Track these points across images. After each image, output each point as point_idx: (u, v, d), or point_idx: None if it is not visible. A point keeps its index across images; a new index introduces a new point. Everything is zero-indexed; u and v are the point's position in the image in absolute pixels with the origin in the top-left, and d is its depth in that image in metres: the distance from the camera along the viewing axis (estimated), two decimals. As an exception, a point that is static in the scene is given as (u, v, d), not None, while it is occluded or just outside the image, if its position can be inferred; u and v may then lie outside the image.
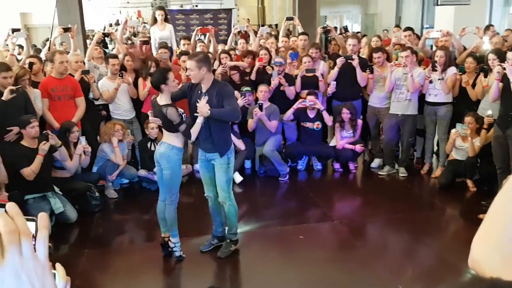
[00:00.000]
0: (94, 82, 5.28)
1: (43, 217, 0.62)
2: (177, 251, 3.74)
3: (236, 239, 3.82)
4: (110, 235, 4.37)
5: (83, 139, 4.66)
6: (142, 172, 5.21)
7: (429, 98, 5.28)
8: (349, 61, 5.39)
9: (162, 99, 3.48)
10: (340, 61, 5.48)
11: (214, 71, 5.78)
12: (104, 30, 11.81)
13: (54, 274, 0.72)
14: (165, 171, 3.55)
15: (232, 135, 5.01)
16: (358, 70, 5.43)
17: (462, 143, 4.97)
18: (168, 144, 3.51)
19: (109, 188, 5.05)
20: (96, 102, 5.45)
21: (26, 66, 4.82)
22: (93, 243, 4.14)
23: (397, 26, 6.81)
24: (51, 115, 4.76)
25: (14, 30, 5.57)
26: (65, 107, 4.83)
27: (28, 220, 0.62)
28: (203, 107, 3.35)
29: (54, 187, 4.37)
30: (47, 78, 4.95)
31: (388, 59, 5.68)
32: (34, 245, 0.59)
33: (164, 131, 3.61)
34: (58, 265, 0.75)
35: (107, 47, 10.18)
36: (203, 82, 3.42)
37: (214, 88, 3.39)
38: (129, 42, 11.39)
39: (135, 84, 5.46)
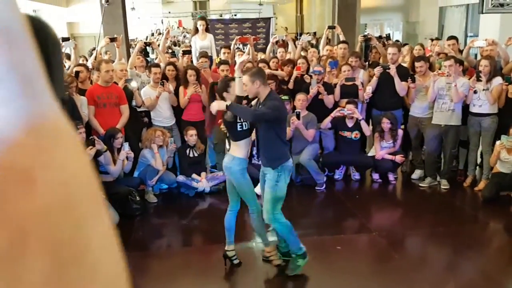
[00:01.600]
0: (138, 89, 5.45)
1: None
2: (275, 260, 3.72)
3: (302, 253, 3.61)
4: (149, 239, 4.48)
5: (126, 145, 4.82)
6: (181, 178, 5.32)
7: (474, 109, 5.13)
8: (387, 70, 5.33)
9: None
10: (378, 70, 5.43)
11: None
12: (146, 39, 12.17)
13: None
14: (234, 182, 3.59)
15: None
16: (396, 79, 5.35)
17: (508, 155, 4.80)
18: (230, 155, 3.56)
19: (149, 193, 5.19)
20: (139, 109, 5.62)
21: (73, 74, 5.04)
22: (133, 246, 4.26)
23: (437, 38, 6.62)
24: (97, 121, 4.96)
25: (64, 40, 5.84)
26: (110, 114, 5.02)
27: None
28: (218, 102, 3.47)
29: None
30: (93, 86, 5.17)
31: (431, 68, 5.56)
32: None
33: (231, 143, 3.66)
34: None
35: (148, 56, 10.49)
36: (259, 96, 3.45)
37: (267, 100, 3.42)
38: (170, 51, 11.70)
39: (176, 92, 5.60)
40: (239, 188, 3.59)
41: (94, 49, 6.99)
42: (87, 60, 6.80)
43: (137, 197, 4.80)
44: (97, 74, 5.12)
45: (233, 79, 3.64)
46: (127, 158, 4.83)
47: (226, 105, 3.40)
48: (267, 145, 3.48)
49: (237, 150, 3.55)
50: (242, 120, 3.48)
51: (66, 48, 6.05)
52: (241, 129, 3.49)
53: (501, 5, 8.14)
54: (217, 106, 3.46)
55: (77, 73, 5.10)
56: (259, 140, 3.61)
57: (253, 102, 3.61)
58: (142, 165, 5.17)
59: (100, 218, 0.34)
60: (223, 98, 3.57)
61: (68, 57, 6.62)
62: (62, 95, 0.46)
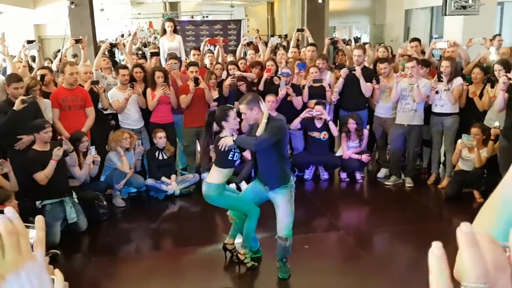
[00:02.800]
0: (104, 92, 5.38)
1: (39, 220, 0.67)
2: (249, 262, 3.75)
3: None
4: (117, 244, 4.42)
5: (93, 149, 4.75)
6: (150, 181, 5.27)
7: (436, 109, 5.28)
8: (352, 72, 5.44)
9: (223, 135, 3.55)
10: (344, 72, 5.54)
11: (222, 81, 5.87)
12: (115, 41, 12.00)
13: (53, 279, 0.76)
14: (219, 205, 3.71)
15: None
16: (361, 80, 5.46)
17: (469, 154, 4.96)
18: (206, 183, 3.59)
19: (117, 197, 5.12)
20: (105, 112, 5.54)
21: (38, 77, 4.94)
22: (100, 251, 4.20)
23: (416, 39, 6.55)
24: (61, 124, 4.87)
25: (29, 42, 5.71)
26: (75, 117, 4.93)
27: (28, 227, 0.67)
28: (226, 139, 3.43)
29: (72, 193, 4.45)
30: (58, 88, 5.07)
31: (394, 69, 5.70)
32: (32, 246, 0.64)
33: (212, 169, 3.64)
34: (57, 270, 0.80)
35: (115, 57, 10.34)
36: (259, 120, 3.43)
37: (269, 123, 3.40)
38: (139, 52, 11.57)
39: (144, 94, 5.55)
40: (229, 208, 3.68)
41: (59, 51, 6.85)
42: (51, 63, 6.65)
43: (104, 202, 4.73)
44: (62, 76, 5.03)
45: (231, 108, 3.63)
46: (93, 162, 4.76)
47: (233, 140, 3.42)
48: (273, 166, 3.45)
49: (215, 176, 3.55)
50: (235, 151, 3.50)
51: (31, 51, 5.91)
52: (231, 159, 3.51)
53: (464, 7, 8.40)
54: (226, 142, 3.43)
55: (42, 76, 5.00)
56: (259, 163, 3.56)
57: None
58: (109, 168, 5.10)
59: None
60: (221, 127, 3.55)
61: (33, 59, 6.48)
62: None
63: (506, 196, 0.72)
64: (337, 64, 6.62)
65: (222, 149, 3.43)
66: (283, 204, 3.44)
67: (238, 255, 3.78)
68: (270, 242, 3.91)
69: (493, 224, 0.72)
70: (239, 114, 3.59)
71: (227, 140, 3.44)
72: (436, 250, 0.50)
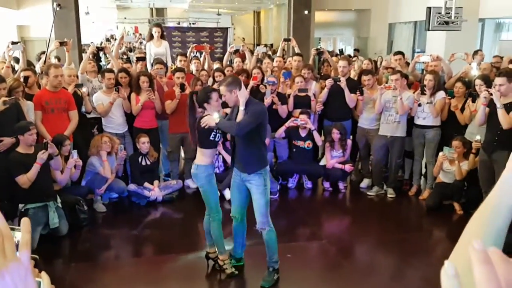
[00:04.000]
0: (88, 95, 5.32)
1: (25, 223, 0.66)
2: (228, 268, 3.72)
3: (278, 267, 3.65)
4: (97, 250, 4.35)
5: (75, 153, 4.67)
6: (132, 187, 5.21)
7: (418, 121, 5.37)
8: (337, 82, 5.50)
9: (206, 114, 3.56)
10: (329, 82, 5.60)
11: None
12: (100, 44, 11.90)
13: (39, 282, 0.75)
14: (200, 188, 3.66)
15: (223, 151, 4.98)
16: (346, 91, 5.53)
17: (450, 166, 5.05)
18: (196, 164, 3.61)
19: (98, 202, 5.04)
20: (89, 116, 5.48)
21: (21, 79, 4.86)
22: (80, 257, 4.12)
23: (400, 53, 6.65)
24: (43, 127, 4.78)
25: (13, 43, 5.63)
26: (58, 120, 4.86)
27: (13, 229, 0.66)
28: (209, 119, 3.43)
29: (57, 197, 4.37)
30: (41, 90, 5.00)
31: (378, 81, 5.79)
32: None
33: (198, 152, 3.65)
34: (43, 273, 0.78)
35: (100, 61, 10.26)
36: (239, 103, 3.43)
37: (248, 106, 3.40)
38: (125, 57, 11.49)
39: (128, 98, 5.50)
40: (204, 195, 3.64)
41: (42, 53, 6.76)
42: (33, 66, 6.54)
43: (85, 207, 4.66)
44: (46, 78, 4.96)
45: (214, 90, 3.64)
46: (75, 166, 4.68)
47: (216, 123, 3.41)
48: (249, 150, 3.45)
49: (202, 158, 3.58)
50: (217, 131, 3.51)
51: (14, 52, 5.81)
52: (213, 139, 3.54)
53: (446, 23, 8.63)
54: (208, 122, 3.43)
55: (26, 78, 4.92)
56: (235, 147, 3.54)
57: (228, 111, 3.60)
58: (90, 173, 5.02)
59: None
60: (204, 108, 3.57)
61: (17, 60, 6.38)
62: None
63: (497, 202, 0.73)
64: (322, 74, 6.69)
65: (204, 127, 3.44)
66: (258, 194, 3.45)
67: (218, 261, 3.75)
68: (253, 250, 3.91)
69: (483, 230, 0.73)
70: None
71: (209, 120, 3.43)
72: (449, 269, 0.50)
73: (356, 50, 12.96)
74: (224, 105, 3.97)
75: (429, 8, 8.67)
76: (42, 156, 4.12)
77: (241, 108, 3.39)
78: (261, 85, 5.81)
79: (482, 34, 10.34)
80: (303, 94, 5.72)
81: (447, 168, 5.07)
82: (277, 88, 5.77)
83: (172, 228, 4.86)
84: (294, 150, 5.74)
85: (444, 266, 0.51)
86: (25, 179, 4.09)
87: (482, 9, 9.36)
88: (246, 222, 3.73)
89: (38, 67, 6.11)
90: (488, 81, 4.73)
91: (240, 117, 3.38)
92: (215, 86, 3.98)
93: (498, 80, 4.24)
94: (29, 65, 6.12)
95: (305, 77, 5.82)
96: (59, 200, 4.38)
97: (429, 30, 9.01)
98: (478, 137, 4.77)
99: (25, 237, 0.65)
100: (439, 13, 8.60)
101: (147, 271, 3.89)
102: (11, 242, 0.61)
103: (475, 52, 6.85)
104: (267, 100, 5.57)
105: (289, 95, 5.81)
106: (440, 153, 5.04)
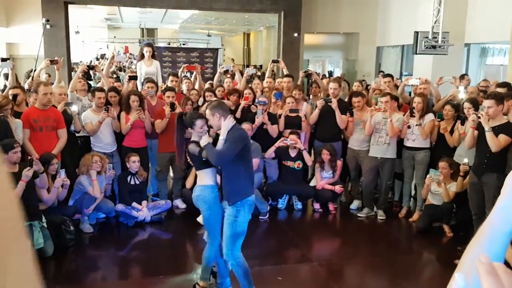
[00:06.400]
0: (78, 114, 5.27)
1: None
2: None
3: None
4: (83, 271, 4.24)
5: (62, 172, 4.60)
6: (120, 207, 5.12)
7: (407, 143, 5.42)
8: (328, 103, 5.55)
9: (193, 139, 3.52)
10: (320, 103, 5.64)
11: (198, 107, 5.87)
12: (90, 63, 11.89)
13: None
14: (204, 212, 3.48)
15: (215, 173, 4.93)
16: (337, 112, 5.57)
17: (438, 188, 5.07)
18: (201, 186, 3.48)
19: (85, 222, 4.94)
20: (77, 134, 5.42)
21: (10, 97, 4.80)
22: (65, 278, 4.02)
23: (389, 75, 6.79)
24: (31, 145, 4.70)
25: (3, 60, 5.59)
26: (47, 139, 4.79)
27: None
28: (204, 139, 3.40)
29: (42, 217, 4.27)
30: (30, 108, 4.93)
31: (367, 103, 5.85)
32: None
33: (197, 175, 3.57)
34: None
35: (91, 80, 10.23)
36: (222, 129, 3.35)
37: (229, 134, 3.32)
38: (115, 76, 11.49)
39: (118, 117, 5.47)
40: (207, 218, 3.48)
41: (32, 70, 6.72)
42: (20, 83, 6.49)
43: (71, 227, 4.55)
44: (34, 96, 4.91)
45: (200, 116, 3.56)
46: (62, 185, 4.60)
47: (198, 151, 3.37)
48: (229, 178, 3.35)
49: (205, 178, 3.47)
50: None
51: (3, 69, 5.77)
52: (206, 159, 3.38)
53: (433, 47, 8.82)
54: (203, 141, 3.40)
55: (14, 96, 4.87)
56: (223, 175, 3.44)
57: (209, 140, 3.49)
58: (78, 192, 4.93)
59: (18, 247, 0.34)
60: (188, 131, 3.56)
61: (7, 77, 6.33)
62: None
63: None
64: (311, 96, 6.74)
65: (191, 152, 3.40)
66: (226, 225, 3.37)
67: (197, 286, 3.64)
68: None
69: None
70: None
71: (204, 140, 3.39)
72: (459, 280, 0.50)
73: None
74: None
75: (416, 33, 8.87)
76: (27, 173, 4.04)
77: (221, 137, 3.32)
78: (252, 105, 5.84)
79: (467, 58, 10.58)
80: (294, 114, 5.75)
81: (435, 190, 5.10)
82: (268, 108, 5.79)
83: (160, 249, 4.77)
84: (284, 170, 5.73)
85: (455, 278, 0.54)
86: (10, 198, 3.99)
87: (468, 34, 9.60)
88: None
89: (26, 84, 6.06)
90: (476, 105, 4.80)
91: (219, 146, 3.31)
92: (204, 106, 3.97)
93: (486, 103, 4.30)
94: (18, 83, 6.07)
95: (296, 98, 5.86)
96: (44, 219, 4.28)
97: (416, 53, 9.20)
98: (466, 160, 4.81)
99: None
100: (426, 37, 8.80)
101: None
102: None
103: (462, 76, 6.98)
104: (258, 120, 5.59)
105: (280, 115, 5.83)
106: (428, 176, 5.07)
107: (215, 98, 5.94)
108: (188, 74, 8.18)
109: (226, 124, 3.33)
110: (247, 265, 3.44)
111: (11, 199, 0.35)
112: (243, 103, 5.86)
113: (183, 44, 19.61)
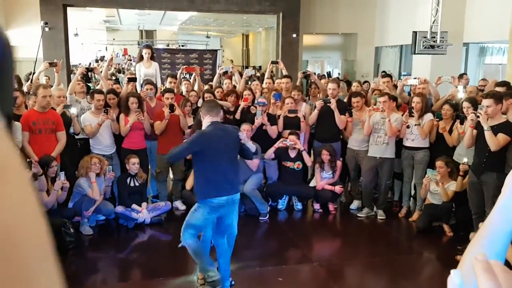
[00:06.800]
0: (77, 116, 5.27)
1: None
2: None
3: (211, 280, 3.57)
4: (83, 274, 4.24)
5: (62, 174, 4.60)
6: (120, 209, 5.12)
7: (407, 143, 5.42)
8: (327, 104, 5.55)
9: None
10: (319, 103, 5.64)
11: (197, 109, 5.86)
12: (89, 65, 11.89)
13: None
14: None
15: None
16: (336, 113, 5.57)
17: (436, 187, 5.07)
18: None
19: (85, 225, 4.94)
20: (77, 137, 5.42)
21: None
22: (65, 281, 3.99)
23: (388, 75, 6.81)
24: (30, 148, 4.70)
25: None
26: (46, 141, 4.79)
27: None
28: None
29: None
30: (29, 111, 4.93)
31: (367, 103, 5.85)
32: None
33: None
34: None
35: (90, 82, 10.23)
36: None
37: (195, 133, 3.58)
38: (114, 78, 11.49)
39: (117, 119, 5.46)
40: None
41: (31, 73, 6.72)
42: (21, 85, 6.50)
43: (71, 229, 4.55)
44: (34, 99, 4.91)
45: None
46: (62, 188, 4.59)
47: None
48: (195, 177, 3.62)
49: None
50: None
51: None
52: None
53: (432, 47, 8.82)
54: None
55: (14, 98, 4.85)
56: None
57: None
58: (78, 195, 4.93)
59: (42, 249, 0.34)
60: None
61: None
62: (9, 111, 0.44)
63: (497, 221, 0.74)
64: (310, 97, 6.74)
65: None
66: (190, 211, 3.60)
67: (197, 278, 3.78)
68: (241, 273, 3.85)
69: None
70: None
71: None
72: (455, 277, 0.50)
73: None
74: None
75: (415, 33, 8.86)
76: None
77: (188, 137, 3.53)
78: (251, 106, 5.84)
79: (466, 58, 10.58)
80: (293, 115, 5.75)
81: (434, 189, 5.10)
82: (267, 109, 5.79)
83: (160, 251, 4.77)
84: (284, 171, 5.72)
85: (451, 275, 0.54)
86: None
87: (466, 33, 9.60)
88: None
89: (25, 87, 6.05)
90: (475, 104, 4.80)
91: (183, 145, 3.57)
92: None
93: (485, 102, 4.31)
94: (19, 83, 6.07)
95: (295, 99, 5.86)
96: None
97: (415, 53, 9.20)
98: (465, 160, 4.81)
99: None
100: (425, 37, 8.79)
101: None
102: None
103: (460, 76, 6.99)
104: (258, 121, 5.59)
105: (279, 116, 5.83)
106: (425, 176, 5.07)
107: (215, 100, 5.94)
108: (188, 76, 8.19)
109: (204, 123, 3.50)
110: (202, 248, 3.63)
111: (42, 228, 0.35)
112: (242, 104, 5.86)
113: (182, 46, 19.61)
